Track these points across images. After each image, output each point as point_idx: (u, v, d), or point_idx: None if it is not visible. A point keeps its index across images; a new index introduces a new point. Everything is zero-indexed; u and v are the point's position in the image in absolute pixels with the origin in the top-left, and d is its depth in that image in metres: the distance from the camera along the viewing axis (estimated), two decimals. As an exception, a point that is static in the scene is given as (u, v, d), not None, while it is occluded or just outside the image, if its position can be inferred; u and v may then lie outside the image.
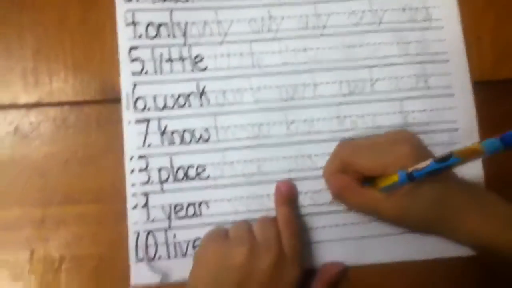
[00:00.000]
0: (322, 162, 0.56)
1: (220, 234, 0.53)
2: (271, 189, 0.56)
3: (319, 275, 0.55)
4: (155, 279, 0.54)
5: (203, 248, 0.52)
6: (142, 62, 0.57)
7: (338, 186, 0.53)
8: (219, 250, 0.50)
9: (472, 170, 0.56)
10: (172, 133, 0.56)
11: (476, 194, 0.51)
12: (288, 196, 0.55)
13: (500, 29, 0.61)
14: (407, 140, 0.51)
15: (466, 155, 0.44)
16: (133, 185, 0.55)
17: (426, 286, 0.57)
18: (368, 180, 0.51)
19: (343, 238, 0.56)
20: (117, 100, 0.56)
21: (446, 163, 0.45)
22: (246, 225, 0.53)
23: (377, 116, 0.58)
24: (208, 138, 0.56)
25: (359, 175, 0.51)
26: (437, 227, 0.51)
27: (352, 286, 0.56)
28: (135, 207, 0.55)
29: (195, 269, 0.51)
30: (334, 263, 0.56)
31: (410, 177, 0.46)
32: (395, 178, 0.47)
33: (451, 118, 0.58)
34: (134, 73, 0.57)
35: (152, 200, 0.55)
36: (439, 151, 0.56)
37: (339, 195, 0.53)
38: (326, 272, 0.55)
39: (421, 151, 0.50)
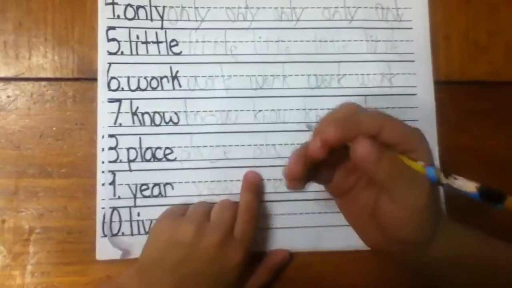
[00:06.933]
0: (286, 151, 0.58)
1: (177, 212, 0.54)
2: (236, 174, 0.57)
3: (264, 260, 0.56)
4: (116, 254, 0.55)
5: (157, 224, 0.53)
6: (119, 42, 0.58)
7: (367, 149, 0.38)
8: (170, 226, 0.51)
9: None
10: (143, 114, 0.57)
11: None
12: (253, 184, 0.56)
13: (468, 32, 0.62)
14: (423, 136, 0.42)
15: None
16: (102, 162, 0.56)
17: (379, 274, 0.58)
18: None
19: (301, 225, 0.58)
20: (93, 78, 0.57)
21: (493, 203, 0.37)
22: (204, 206, 0.54)
23: (341, 111, 0.59)
24: (178, 121, 0.58)
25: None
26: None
27: (308, 272, 0.58)
28: (103, 184, 0.56)
29: (147, 244, 0.53)
30: (279, 250, 0.57)
31: (438, 182, 0.39)
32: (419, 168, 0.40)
33: (412, 117, 0.59)
34: (110, 53, 0.58)
35: (120, 178, 0.56)
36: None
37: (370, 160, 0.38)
38: (270, 258, 0.56)
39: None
